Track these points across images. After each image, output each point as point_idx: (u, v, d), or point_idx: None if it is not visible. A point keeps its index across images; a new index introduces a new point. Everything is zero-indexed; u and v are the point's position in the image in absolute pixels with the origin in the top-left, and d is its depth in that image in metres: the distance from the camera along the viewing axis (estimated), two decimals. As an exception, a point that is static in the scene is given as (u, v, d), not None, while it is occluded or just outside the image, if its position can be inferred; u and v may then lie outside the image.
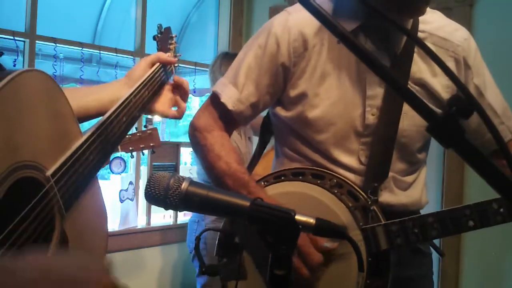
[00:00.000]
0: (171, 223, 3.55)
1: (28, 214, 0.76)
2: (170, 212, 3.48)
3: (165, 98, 1.25)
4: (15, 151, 0.74)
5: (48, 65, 3.08)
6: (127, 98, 1.07)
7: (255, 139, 2.94)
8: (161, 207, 0.82)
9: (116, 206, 3.18)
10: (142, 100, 1.13)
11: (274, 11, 3.66)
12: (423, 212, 1.33)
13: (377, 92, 1.26)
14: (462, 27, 1.37)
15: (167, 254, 3.43)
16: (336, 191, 1.22)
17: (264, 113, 1.47)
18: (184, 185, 0.80)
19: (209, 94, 4.18)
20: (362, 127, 1.27)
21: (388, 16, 1.19)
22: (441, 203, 2.90)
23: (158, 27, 1.37)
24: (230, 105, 1.32)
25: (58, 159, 0.84)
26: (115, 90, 1.12)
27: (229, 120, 1.35)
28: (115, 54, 3.25)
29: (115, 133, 1.01)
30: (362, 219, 1.20)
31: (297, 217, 0.78)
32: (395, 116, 1.26)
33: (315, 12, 0.66)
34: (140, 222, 3.37)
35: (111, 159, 3.02)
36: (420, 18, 1.28)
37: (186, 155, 4.87)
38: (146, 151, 3.31)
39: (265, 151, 1.60)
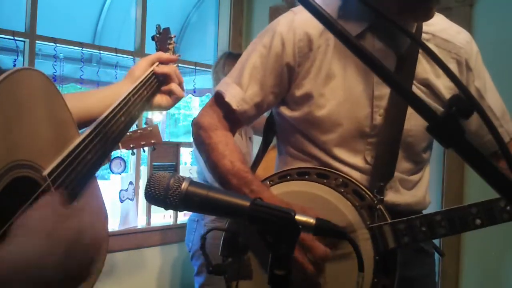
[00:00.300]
0: (171, 223, 3.55)
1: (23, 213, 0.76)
2: (170, 212, 3.48)
3: (162, 93, 1.23)
4: (10, 150, 0.74)
5: (48, 65, 3.08)
6: (125, 97, 1.07)
7: (255, 139, 2.94)
8: (161, 207, 0.82)
9: (116, 206, 3.18)
10: (141, 99, 1.12)
11: (274, 11, 3.66)
12: (423, 212, 1.34)
13: (384, 92, 1.26)
14: (464, 30, 1.38)
15: (167, 254, 3.43)
16: (342, 190, 1.23)
17: (266, 114, 1.47)
18: (184, 185, 0.79)
19: (209, 94, 4.18)
20: (370, 128, 1.27)
21: (394, 19, 1.20)
22: (441, 203, 2.89)
23: (156, 27, 1.37)
24: (234, 105, 1.32)
25: (55, 159, 0.84)
26: (115, 91, 1.12)
27: (233, 119, 1.35)
28: (115, 54, 3.25)
29: (113, 131, 1.01)
30: (369, 218, 1.20)
31: (297, 217, 0.78)
32: (401, 116, 1.27)
33: (316, 12, 0.66)
34: (140, 222, 3.37)
35: (111, 158, 3.03)
36: None
37: (186, 155, 4.88)
38: (146, 149, 3.32)
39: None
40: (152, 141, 2.76)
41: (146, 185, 0.81)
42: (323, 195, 1.23)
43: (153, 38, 1.36)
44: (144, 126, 2.85)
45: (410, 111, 1.26)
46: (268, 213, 0.78)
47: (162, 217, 3.70)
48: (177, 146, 3.51)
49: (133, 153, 2.93)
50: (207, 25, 4.19)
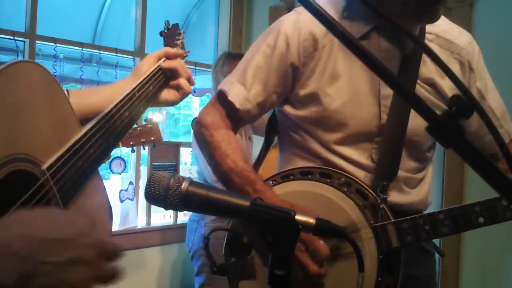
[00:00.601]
0: (171, 223, 3.55)
1: (21, 207, 0.76)
2: (170, 212, 3.48)
3: (168, 88, 1.22)
4: (8, 143, 0.73)
5: (48, 65, 3.08)
6: (130, 92, 1.05)
7: (255, 139, 2.94)
8: (161, 207, 0.82)
9: (116, 206, 3.18)
10: (147, 95, 1.11)
11: (274, 11, 3.66)
12: (424, 212, 1.34)
13: (389, 91, 1.26)
14: (466, 31, 1.40)
15: (167, 254, 3.43)
16: (345, 190, 1.23)
17: (267, 114, 1.46)
18: (184, 185, 0.79)
19: (209, 94, 4.18)
20: (377, 127, 1.28)
21: (399, 20, 1.20)
22: (441, 203, 2.89)
23: (165, 23, 1.36)
24: (237, 104, 1.32)
25: (55, 153, 0.83)
26: (120, 87, 1.11)
27: (236, 118, 1.35)
28: (115, 54, 3.25)
29: (117, 126, 1.00)
30: (372, 218, 1.20)
31: (297, 217, 0.78)
32: (405, 115, 1.27)
33: (317, 13, 0.66)
34: (140, 222, 3.37)
35: (111, 159, 3.02)
36: None
37: (186, 155, 4.88)
38: (146, 149, 3.32)
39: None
40: (152, 138, 2.75)
41: (146, 185, 0.81)
42: (327, 194, 1.23)
43: (161, 33, 1.36)
44: (143, 123, 2.84)
45: None
46: (268, 213, 0.78)
47: (162, 217, 3.70)
48: (177, 146, 3.51)
49: (133, 151, 2.93)
50: (207, 25, 4.19)
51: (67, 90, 1.06)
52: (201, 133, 1.35)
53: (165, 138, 4.56)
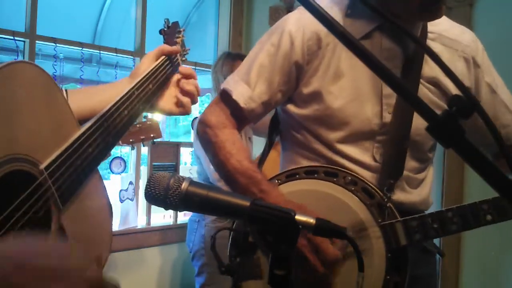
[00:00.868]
0: (171, 223, 3.55)
1: (20, 206, 0.76)
2: (170, 212, 3.48)
3: (170, 95, 1.21)
4: (6, 143, 0.73)
5: (48, 65, 3.08)
6: (129, 91, 1.05)
7: (255, 139, 2.94)
8: (161, 207, 0.81)
9: (116, 206, 3.18)
10: (146, 94, 1.11)
11: (274, 11, 3.66)
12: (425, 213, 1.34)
13: (391, 90, 1.26)
14: (468, 30, 1.40)
15: (167, 254, 3.43)
16: (352, 189, 1.23)
17: (267, 114, 1.46)
18: (184, 185, 0.79)
19: (209, 94, 4.18)
20: (379, 126, 1.28)
21: (401, 18, 1.20)
22: (441, 203, 2.89)
23: (165, 21, 1.36)
24: (242, 103, 1.31)
25: (54, 152, 0.83)
26: (120, 88, 1.11)
27: (240, 117, 1.34)
28: (115, 54, 3.25)
29: (116, 125, 0.99)
30: (379, 216, 1.21)
31: (297, 217, 0.78)
32: (409, 114, 1.27)
33: (317, 13, 0.66)
34: (140, 222, 3.37)
35: (111, 159, 3.02)
36: None
37: (186, 155, 4.87)
38: (147, 149, 3.32)
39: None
40: (152, 135, 2.74)
41: (146, 185, 0.81)
42: (333, 193, 1.24)
43: (161, 31, 1.35)
44: (143, 120, 2.83)
45: None
46: (268, 213, 0.78)
47: (162, 217, 3.69)
48: (177, 146, 3.50)
49: (132, 148, 2.92)
50: (207, 25, 4.19)
51: (66, 90, 1.05)
52: (205, 133, 1.34)
53: (165, 138, 4.55)
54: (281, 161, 1.45)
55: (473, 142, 0.60)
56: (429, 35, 1.33)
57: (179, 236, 3.35)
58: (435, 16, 1.22)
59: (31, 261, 0.58)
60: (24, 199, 0.76)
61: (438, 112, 0.60)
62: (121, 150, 3.14)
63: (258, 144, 2.91)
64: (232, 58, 2.87)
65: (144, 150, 3.35)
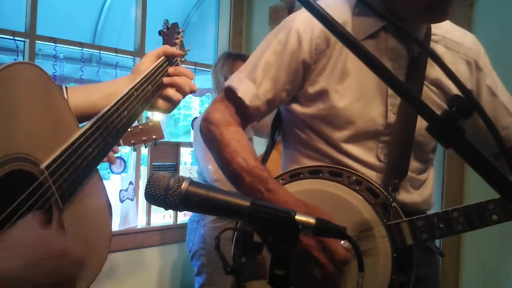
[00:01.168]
0: (171, 223, 3.55)
1: (20, 205, 0.76)
2: (170, 212, 3.48)
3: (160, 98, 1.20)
4: (6, 143, 0.74)
5: (48, 65, 3.08)
6: (128, 91, 1.05)
7: (255, 140, 2.94)
8: (161, 207, 0.81)
9: (116, 206, 3.18)
10: (145, 94, 1.11)
11: (274, 11, 3.65)
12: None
13: None
14: (470, 33, 1.41)
15: (167, 254, 3.43)
16: (357, 188, 1.23)
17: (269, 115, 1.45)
18: (184, 185, 0.79)
19: (209, 94, 4.16)
20: (383, 126, 1.28)
21: (407, 19, 1.20)
22: (441, 203, 2.89)
23: (164, 22, 1.35)
24: (247, 100, 1.30)
25: (54, 152, 0.83)
26: (121, 85, 1.10)
27: (244, 115, 1.33)
28: (115, 54, 3.25)
29: (115, 125, 1.00)
30: (384, 216, 1.21)
31: (297, 217, 0.78)
32: (413, 115, 1.27)
33: (317, 13, 0.66)
34: (140, 222, 3.37)
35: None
36: None
37: (186, 155, 4.88)
38: (147, 149, 3.31)
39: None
40: (154, 137, 2.74)
41: (146, 185, 0.81)
42: (338, 193, 1.23)
43: (160, 32, 1.35)
44: (144, 121, 2.83)
45: None
46: (268, 213, 0.78)
47: (162, 217, 3.69)
48: (177, 146, 3.51)
49: (134, 149, 2.92)
50: (207, 25, 4.19)
51: (66, 87, 1.06)
52: (209, 131, 1.32)
53: (165, 138, 4.56)
54: (283, 161, 1.45)
55: (473, 142, 0.60)
56: (433, 37, 1.33)
57: (179, 236, 3.35)
58: (442, 18, 1.22)
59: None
60: (25, 199, 0.77)
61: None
62: (121, 150, 3.14)
63: (258, 145, 2.91)
64: (232, 58, 2.88)
65: (144, 150, 3.35)
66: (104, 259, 0.95)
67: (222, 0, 3.92)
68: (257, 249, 0.84)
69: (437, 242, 1.62)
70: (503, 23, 2.76)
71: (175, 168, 3.43)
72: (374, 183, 1.24)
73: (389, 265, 1.18)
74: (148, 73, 1.13)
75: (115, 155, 2.73)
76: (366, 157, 1.28)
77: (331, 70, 1.28)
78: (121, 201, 3.17)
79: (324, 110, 1.28)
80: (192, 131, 3.57)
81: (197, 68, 3.71)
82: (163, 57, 1.20)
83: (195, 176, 3.03)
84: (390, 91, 1.27)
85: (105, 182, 0.99)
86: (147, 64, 1.16)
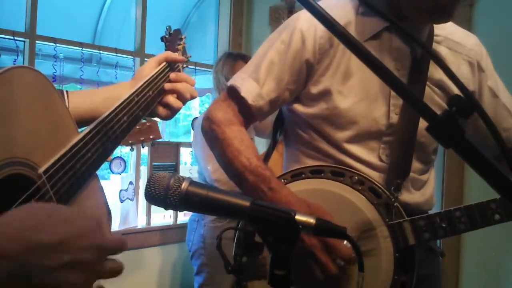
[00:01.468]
0: (171, 223, 3.55)
1: None
2: (170, 212, 3.48)
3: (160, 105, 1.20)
4: (4, 147, 0.74)
5: (48, 65, 3.08)
6: (129, 97, 1.05)
7: (257, 140, 2.94)
8: (161, 207, 0.81)
9: (116, 206, 3.18)
10: (146, 100, 1.10)
11: (274, 11, 3.65)
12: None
13: None
14: (472, 34, 1.41)
15: (167, 254, 3.43)
16: (359, 188, 1.23)
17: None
18: (184, 185, 0.79)
19: (209, 94, 4.15)
20: (386, 126, 1.28)
21: (412, 19, 1.19)
22: (441, 203, 2.89)
23: (167, 28, 1.35)
24: (250, 100, 1.29)
25: (53, 157, 0.83)
26: (122, 90, 1.10)
27: (247, 115, 1.33)
28: (115, 54, 3.25)
29: (115, 131, 0.99)
30: (386, 216, 1.21)
31: (297, 217, 0.78)
32: (415, 115, 1.27)
33: (317, 13, 0.66)
34: (140, 222, 3.37)
35: (112, 158, 3.02)
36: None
37: (186, 155, 4.87)
38: (147, 149, 3.31)
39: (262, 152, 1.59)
40: (151, 137, 2.74)
41: (146, 185, 0.81)
42: (340, 192, 1.23)
43: (162, 39, 1.35)
44: (143, 121, 2.83)
45: None
46: (268, 213, 0.78)
47: (162, 217, 3.70)
48: (177, 146, 3.51)
49: (132, 149, 2.91)
50: (207, 25, 4.19)
51: (67, 91, 1.05)
52: (212, 130, 1.31)
53: (165, 138, 4.56)
54: (284, 160, 1.45)
55: (473, 142, 0.60)
56: (435, 37, 1.33)
57: (179, 236, 3.35)
58: (446, 19, 1.22)
59: (41, 232, 0.59)
60: (22, 203, 0.76)
61: (442, 114, 0.60)
62: (121, 150, 3.14)
63: (259, 145, 2.92)
64: (233, 58, 2.88)
65: (144, 150, 3.35)
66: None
67: (222, 0, 3.93)
68: (259, 249, 0.84)
69: (437, 242, 1.62)
70: (503, 23, 2.76)
71: (175, 168, 3.44)
72: (376, 183, 1.24)
73: (391, 265, 1.18)
74: (150, 78, 1.12)
75: (114, 154, 2.73)
76: (368, 157, 1.28)
77: (334, 70, 1.27)
78: (121, 201, 3.17)
79: (327, 110, 1.28)
80: (192, 131, 3.58)
81: (197, 68, 3.71)
82: (164, 63, 1.20)
83: (195, 176, 3.03)
84: (392, 92, 1.26)
85: (105, 182, 0.99)
86: (149, 69, 1.16)
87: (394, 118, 1.27)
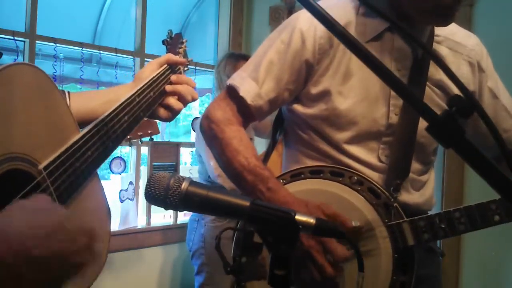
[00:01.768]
0: (171, 223, 3.55)
1: None
2: (170, 212, 3.48)
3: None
4: (4, 143, 0.74)
5: (48, 65, 3.08)
6: (129, 97, 1.06)
7: (256, 140, 2.94)
8: (161, 207, 0.81)
9: (116, 206, 3.18)
10: (147, 101, 1.11)
11: (274, 11, 3.65)
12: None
13: None
14: (473, 34, 1.40)
15: (167, 254, 3.43)
16: (358, 188, 1.23)
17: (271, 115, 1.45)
18: (184, 185, 0.79)
19: (209, 94, 4.16)
20: (385, 127, 1.27)
21: (413, 20, 1.19)
22: (441, 204, 2.89)
23: (168, 32, 1.36)
24: (249, 100, 1.29)
25: (53, 153, 0.84)
26: (123, 92, 1.10)
27: (246, 114, 1.32)
28: (115, 54, 3.25)
29: (115, 130, 1.00)
30: (385, 216, 1.21)
31: (297, 217, 0.78)
32: (415, 116, 1.27)
33: (316, 13, 0.66)
34: (140, 222, 3.37)
35: (111, 159, 3.02)
36: None
37: (186, 155, 4.87)
38: (146, 149, 3.31)
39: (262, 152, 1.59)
40: (149, 132, 2.74)
41: (146, 185, 0.81)
42: (339, 193, 1.23)
43: (163, 42, 1.35)
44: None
45: None
46: (268, 213, 0.78)
47: (162, 217, 3.70)
48: (177, 146, 3.50)
49: (130, 144, 2.91)
50: (207, 25, 4.19)
51: (68, 92, 1.06)
52: (211, 129, 1.31)
53: (165, 138, 4.56)
54: (284, 160, 1.45)
55: (473, 142, 0.60)
56: (436, 38, 1.32)
57: (179, 236, 3.35)
58: (449, 21, 1.22)
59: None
60: (22, 198, 0.76)
61: (442, 114, 0.60)
62: (121, 150, 3.14)
63: (259, 145, 2.92)
64: (235, 58, 2.89)
65: (144, 150, 3.35)
66: (104, 260, 0.95)
67: (222, 0, 3.92)
68: (258, 249, 0.84)
69: (437, 242, 1.62)
70: (503, 23, 2.76)
71: (175, 168, 3.43)
72: (375, 184, 1.24)
73: (390, 265, 1.18)
74: (151, 79, 1.13)
75: (114, 154, 2.73)
76: (367, 157, 1.28)
77: (334, 70, 1.27)
78: (121, 201, 3.17)
79: (326, 111, 1.28)
80: (192, 131, 3.58)
81: (197, 68, 3.71)
82: (166, 65, 1.20)
83: (195, 176, 3.03)
84: (392, 92, 1.26)
85: (105, 182, 1.00)
86: (150, 71, 1.16)
87: (394, 118, 1.27)
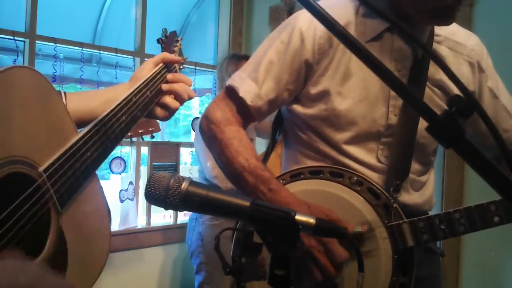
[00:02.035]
0: (171, 223, 3.55)
1: (18, 207, 0.76)
2: (170, 212, 3.48)
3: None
4: (4, 146, 0.74)
5: (48, 65, 3.08)
6: (127, 97, 1.06)
7: (257, 140, 2.94)
8: (161, 207, 0.82)
9: (116, 206, 3.18)
10: (144, 100, 1.11)
11: (274, 11, 3.65)
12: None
13: None
14: (473, 34, 1.40)
15: (167, 254, 3.43)
16: (358, 189, 1.23)
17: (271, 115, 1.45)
18: (184, 185, 0.79)
19: (209, 94, 4.16)
20: (384, 127, 1.27)
21: (414, 20, 1.19)
22: (441, 204, 2.89)
23: (163, 31, 1.36)
24: (248, 100, 1.28)
25: (53, 155, 0.84)
26: (120, 92, 1.10)
27: (246, 115, 1.32)
28: (115, 54, 3.25)
29: (114, 130, 1.00)
30: (385, 217, 1.21)
31: (297, 217, 0.78)
32: (415, 116, 1.27)
33: (316, 13, 0.66)
34: (140, 222, 3.37)
35: (110, 159, 3.02)
36: None
37: (186, 155, 4.87)
38: (146, 149, 3.31)
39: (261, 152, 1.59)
40: (150, 129, 2.74)
41: (146, 185, 0.81)
42: (339, 193, 1.23)
43: (158, 41, 1.35)
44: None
45: None
46: (268, 213, 0.78)
47: (162, 217, 3.70)
48: (177, 146, 3.51)
49: (131, 141, 2.90)
50: (207, 25, 4.19)
51: (65, 93, 1.06)
52: (210, 129, 1.30)
53: (165, 138, 4.56)
54: (283, 161, 1.44)
55: (473, 142, 0.60)
56: (436, 38, 1.32)
57: (179, 236, 3.35)
58: (449, 21, 1.22)
59: None
60: (22, 201, 0.77)
61: (441, 114, 0.60)
62: (121, 150, 3.14)
63: (258, 145, 2.92)
64: (237, 59, 2.90)
65: (144, 150, 3.35)
66: (104, 261, 0.95)
67: (222, 0, 3.92)
68: (257, 249, 0.84)
69: (437, 242, 1.62)
70: (503, 23, 2.76)
71: (175, 168, 3.44)
72: (375, 184, 1.24)
73: (390, 266, 1.18)
74: (147, 79, 1.13)
75: (114, 154, 2.73)
76: (366, 158, 1.28)
77: (333, 71, 1.27)
78: (121, 201, 3.17)
79: (326, 111, 1.28)
80: (192, 131, 3.58)
81: (197, 68, 3.71)
82: (161, 64, 1.20)
83: (195, 176, 3.03)
84: (392, 93, 1.26)
85: (105, 182, 1.00)
86: (146, 71, 1.16)
87: (393, 119, 1.27)
